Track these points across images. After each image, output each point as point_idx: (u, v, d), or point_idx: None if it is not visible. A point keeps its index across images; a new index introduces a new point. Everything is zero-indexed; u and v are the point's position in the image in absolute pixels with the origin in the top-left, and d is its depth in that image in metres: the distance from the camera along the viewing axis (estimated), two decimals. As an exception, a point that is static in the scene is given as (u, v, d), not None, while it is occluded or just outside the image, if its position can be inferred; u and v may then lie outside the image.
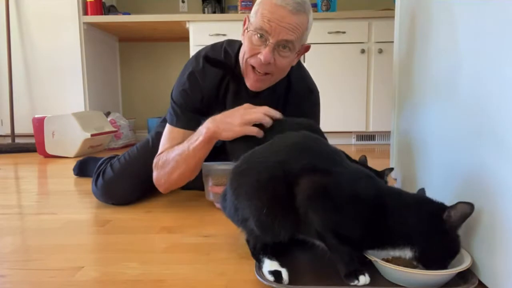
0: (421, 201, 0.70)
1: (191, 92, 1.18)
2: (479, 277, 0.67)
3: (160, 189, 1.22)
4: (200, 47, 1.26)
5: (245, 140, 1.01)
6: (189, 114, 1.18)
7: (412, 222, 0.66)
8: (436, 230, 0.65)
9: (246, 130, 1.00)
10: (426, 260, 0.66)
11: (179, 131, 1.18)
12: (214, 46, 1.23)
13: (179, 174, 1.14)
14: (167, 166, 1.14)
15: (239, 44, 1.19)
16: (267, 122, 1.00)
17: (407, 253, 0.67)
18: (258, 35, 1.04)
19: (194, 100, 1.18)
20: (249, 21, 1.09)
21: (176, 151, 1.13)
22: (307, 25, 1.07)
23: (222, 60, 1.19)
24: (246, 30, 1.09)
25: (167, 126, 1.22)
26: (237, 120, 1.02)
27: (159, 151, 1.20)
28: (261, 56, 1.04)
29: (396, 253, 0.68)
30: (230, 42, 1.23)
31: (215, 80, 1.18)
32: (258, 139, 0.98)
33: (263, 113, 1.00)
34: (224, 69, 1.18)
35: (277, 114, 1.02)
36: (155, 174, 1.19)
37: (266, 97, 1.16)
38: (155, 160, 1.19)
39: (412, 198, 0.71)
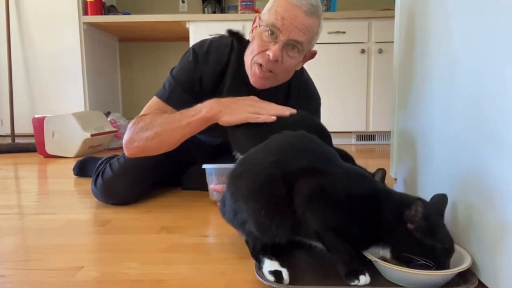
0: (396, 201, 0.69)
1: (194, 69, 1.18)
2: (479, 277, 0.67)
3: (127, 151, 1.16)
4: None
5: (248, 129, 1.01)
6: (184, 95, 1.17)
7: (384, 223, 0.66)
8: (401, 231, 0.65)
9: (250, 117, 1.00)
10: (401, 260, 0.66)
11: (166, 108, 1.16)
12: (221, 41, 1.23)
13: (159, 142, 1.11)
14: (148, 131, 1.11)
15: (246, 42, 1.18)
16: (273, 120, 0.99)
17: (386, 253, 0.68)
18: (269, 32, 1.04)
19: (194, 78, 1.18)
20: (260, 18, 1.08)
21: (165, 119, 1.11)
22: (317, 29, 1.08)
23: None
24: (257, 26, 1.09)
25: (155, 98, 1.20)
26: (243, 108, 1.02)
27: (141, 114, 1.18)
28: (269, 53, 1.04)
29: (380, 252, 0.68)
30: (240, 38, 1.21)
31: (216, 68, 1.18)
32: (261, 128, 0.97)
33: (271, 115, 0.99)
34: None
35: (286, 112, 1.01)
36: (128, 135, 1.14)
37: (265, 98, 1.16)
38: (133, 121, 1.16)
39: (392, 197, 0.70)
